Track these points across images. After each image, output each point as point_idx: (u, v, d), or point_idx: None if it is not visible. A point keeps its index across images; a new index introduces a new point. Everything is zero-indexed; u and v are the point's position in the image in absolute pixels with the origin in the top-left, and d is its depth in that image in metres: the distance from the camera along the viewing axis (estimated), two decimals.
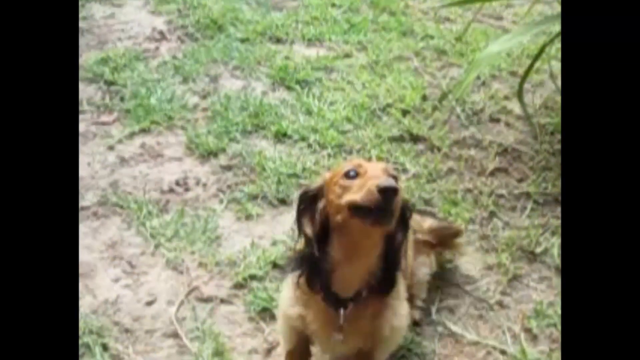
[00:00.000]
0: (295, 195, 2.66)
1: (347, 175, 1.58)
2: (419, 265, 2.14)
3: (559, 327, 2.17)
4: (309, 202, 1.68)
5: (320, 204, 1.66)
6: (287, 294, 1.83)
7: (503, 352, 2.09)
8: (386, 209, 1.49)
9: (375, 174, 1.54)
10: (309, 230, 1.66)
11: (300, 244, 1.73)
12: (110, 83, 3.33)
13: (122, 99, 3.22)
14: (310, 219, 1.67)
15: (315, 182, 1.72)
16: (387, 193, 1.47)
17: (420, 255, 2.14)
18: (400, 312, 1.80)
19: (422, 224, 2.20)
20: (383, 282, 1.68)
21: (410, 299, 1.97)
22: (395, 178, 1.57)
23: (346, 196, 1.55)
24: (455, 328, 2.16)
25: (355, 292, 1.68)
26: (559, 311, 2.21)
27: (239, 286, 2.28)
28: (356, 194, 1.53)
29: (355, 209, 1.53)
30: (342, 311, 1.69)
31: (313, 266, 1.66)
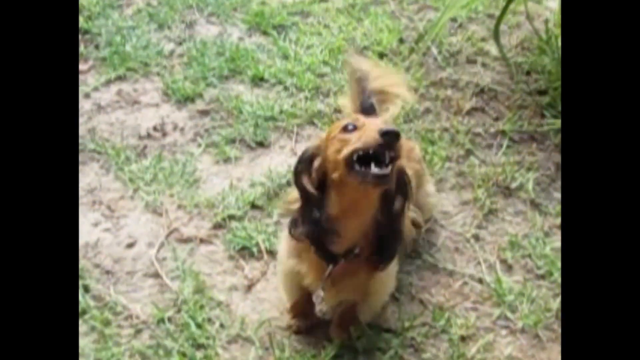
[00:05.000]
0: (272, 137, 2.68)
1: (345, 129, 1.58)
2: (424, 196, 2.17)
3: (534, 257, 2.22)
4: (307, 161, 1.68)
5: (316, 162, 1.66)
6: (283, 248, 1.87)
7: (479, 282, 2.14)
8: (387, 152, 1.49)
9: (375, 124, 1.54)
10: (310, 187, 1.66)
11: (293, 196, 1.76)
12: (84, 31, 3.28)
13: (97, 47, 3.18)
14: (308, 177, 1.67)
15: (313, 142, 1.72)
16: (389, 135, 1.47)
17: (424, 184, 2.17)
18: (388, 273, 1.83)
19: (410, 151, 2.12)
20: (380, 248, 1.69)
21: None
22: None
23: (345, 149, 1.55)
24: (432, 260, 2.21)
25: (346, 249, 1.70)
26: (534, 242, 2.26)
27: (218, 226, 2.30)
28: (356, 142, 1.53)
29: (353, 163, 1.53)
30: (330, 266, 1.72)
31: (314, 223, 1.66)
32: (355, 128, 1.58)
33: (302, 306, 1.97)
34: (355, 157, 1.54)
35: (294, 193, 1.76)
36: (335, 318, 1.96)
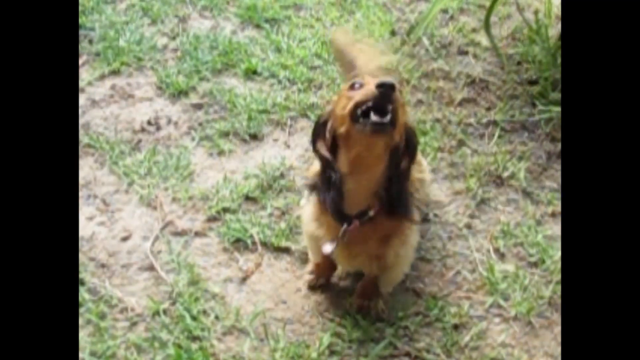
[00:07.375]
0: (266, 130, 2.69)
1: (352, 87, 1.68)
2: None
3: (526, 246, 2.24)
4: (321, 126, 1.76)
5: (329, 124, 1.74)
6: (307, 212, 1.93)
7: (472, 271, 2.16)
8: (383, 102, 1.59)
9: (376, 79, 1.63)
10: (324, 152, 1.74)
11: (313, 169, 1.85)
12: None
13: (90, 42, 3.19)
14: (323, 140, 1.75)
15: (327, 108, 1.79)
16: (384, 87, 1.57)
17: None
18: (409, 241, 1.89)
19: None
20: (392, 204, 1.74)
21: None
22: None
23: (350, 104, 1.64)
24: (425, 250, 2.22)
25: (360, 210, 1.75)
26: (526, 231, 2.28)
27: (212, 219, 2.31)
28: (357, 96, 1.63)
29: (356, 115, 1.62)
30: (344, 225, 1.76)
31: (333, 187, 1.73)
32: (361, 86, 1.67)
33: (323, 268, 2.05)
34: (359, 112, 1.62)
35: (315, 165, 1.86)
36: (357, 289, 2.03)
